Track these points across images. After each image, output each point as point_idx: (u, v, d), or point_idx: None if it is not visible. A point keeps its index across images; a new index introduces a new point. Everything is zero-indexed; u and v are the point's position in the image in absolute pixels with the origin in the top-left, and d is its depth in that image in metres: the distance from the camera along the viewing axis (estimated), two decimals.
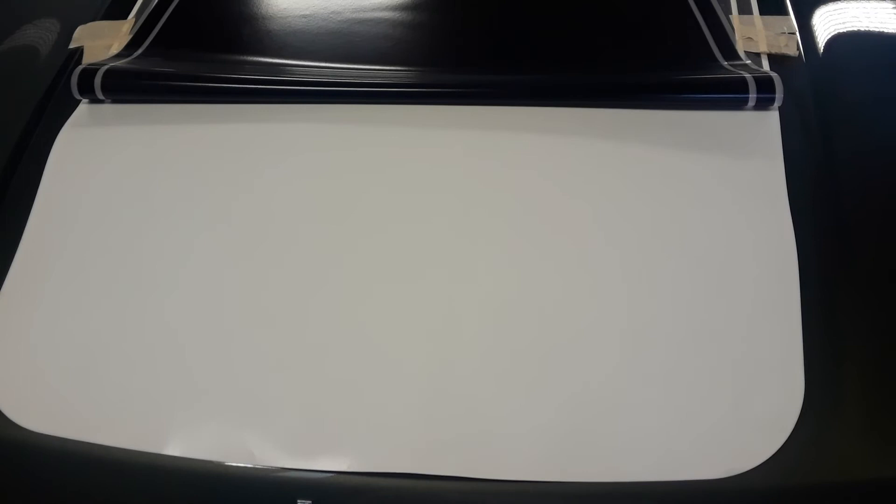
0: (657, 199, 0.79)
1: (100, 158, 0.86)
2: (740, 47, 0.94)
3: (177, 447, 0.66)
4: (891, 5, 1.01)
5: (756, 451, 0.64)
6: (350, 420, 0.67)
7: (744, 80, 0.86)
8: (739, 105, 0.86)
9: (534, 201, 0.79)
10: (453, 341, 0.70)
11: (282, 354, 0.70)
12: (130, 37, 0.99)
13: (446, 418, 0.66)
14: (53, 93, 0.95)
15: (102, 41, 1.00)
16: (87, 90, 0.90)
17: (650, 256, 0.74)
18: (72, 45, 1.01)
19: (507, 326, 0.71)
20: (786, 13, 0.99)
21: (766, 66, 0.93)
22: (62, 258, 0.78)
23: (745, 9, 1.00)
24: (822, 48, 0.95)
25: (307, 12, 0.99)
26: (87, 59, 0.97)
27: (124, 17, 1.04)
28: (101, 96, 0.90)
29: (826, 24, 0.98)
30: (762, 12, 0.99)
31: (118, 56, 0.96)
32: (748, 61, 0.91)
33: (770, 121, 0.85)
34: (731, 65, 0.90)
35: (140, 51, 0.97)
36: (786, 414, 0.65)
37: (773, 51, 0.94)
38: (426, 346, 0.70)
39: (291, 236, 0.78)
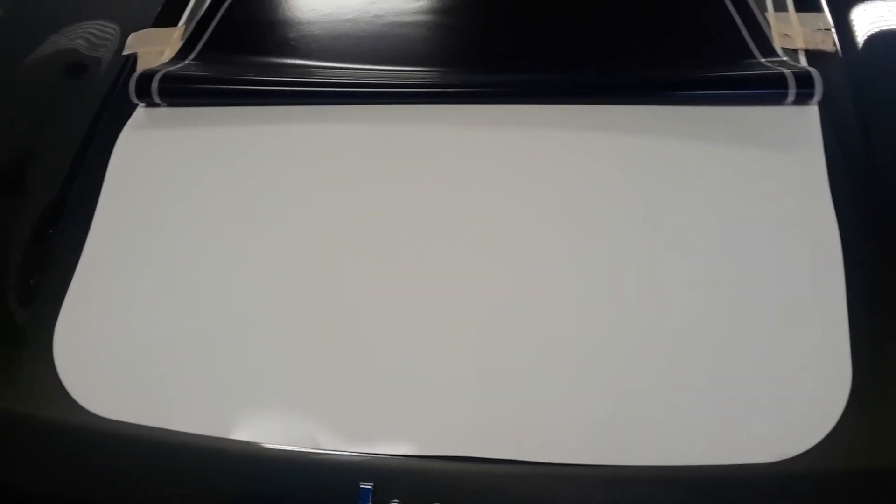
0: (700, 194, 0.80)
1: (159, 159, 0.90)
2: (777, 44, 0.95)
3: (241, 433, 0.69)
4: None
5: (804, 436, 0.65)
6: (408, 406, 0.69)
7: (783, 75, 0.87)
8: (779, 100, 0.87)
9: (577, 196, 0.82)
10: (505, 329, 0.73)
11: (341, 343, 0.73)
12: (182, 43, 1.02)
13: (500, 403, 0.69)
14: (111, 97, 0.98)
15: (155, 48, 1.03)
16: (144, 94, 0.94)
17: (697, 250, 0.76)
18: (125, 52, 1.04)
19: (558, 314, 0.73)
20: (821, 10, 1.00)
21: (803, 62, 0.94)
22: (126, 253, 0.82)
23: (780, 6, 1.01)
24: (858, 44, 0.96)
25: (351, 16, 1.02)
26: (141, 65, 1.00)
27: (175, 24, 1.07)
28: (157, 100, 0.94)
29: (861, 21, 0.99)
30: (797, 9, 1.00)
31: (171, 62, 1.00)
32: (786, 57, 0.93)
33: (809, 116, 0.87)
34: (768, 61, 0.92)
35: (192, 56, 1.00)
36: (834, 399, 0.66)
37: (810, 46, 0.95)
38: (479, 334, 0.72)
39: (346, 229, 0.81)
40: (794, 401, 0.67)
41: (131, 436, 0.70)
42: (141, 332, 0.76)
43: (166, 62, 1.00)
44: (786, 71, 0.87)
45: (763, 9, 0.99)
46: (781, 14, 0.99)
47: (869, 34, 0.97)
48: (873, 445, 0.65)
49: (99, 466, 0.71)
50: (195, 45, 1.01)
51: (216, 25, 1.02)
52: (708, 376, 0.69)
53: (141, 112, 0.95)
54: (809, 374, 0.68)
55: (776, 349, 0.70)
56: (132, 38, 1.06)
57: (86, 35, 1.09)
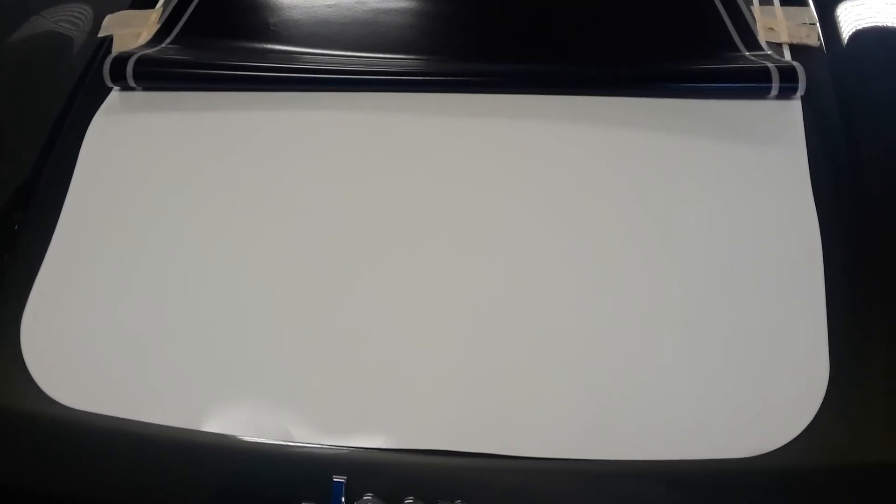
0: (683, 187, 0.80)
1: (133, 144, 0.88)
2: (762, 37, 0.95)
3: (214, 424, 0.68)
4: None
5: (782, 431, 0.65)
6: (385, 398, 0.68)
7: (766, 69, 0.87)
8: (762, 94, 0.87)
9: (561, 189, 0.81)
10: (489, 321, 0.72)
11: (317, 333, 0.72)
12: (159, 26, 1.00)
13: (481, 396, 0.68)
14: (85, 81, 0.96)
15: (131, 30, 1.01)
16: (119, 78, 0.92)
17: (677, 244, 0.76)
18: (101, 34, 1.02)
19: (542, 308, 0.72)
20: (806, 4, 1.00)
21: (787, 56, 0.93)
22: (97, 241, 0.80)
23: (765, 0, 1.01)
24: (842, 39, 0.96)
25: (333, 2, 1.01)
26: (117, 48, 0.98)
27: (152, 6, 1.05)
28: (132, 84, 0.92)
29: (845, 16, 0.99)
30: (783, 3, 1.00)
31: (148, 45, 0.98)
32: (770, 51, 0.93)
33: (793, 110, 0.86)
34: (753, 55, 0.92)
35: (169, 39, 0.98)
36: (811, 394, 0.66)
37: (795, 41, 0.95)
38: (462, 325, 0.72)
39: (326, 219, 0.79)
40: (772, 396, 0.67)
41: (101, 427, 0.69)
42: (111, 322, 0.74)
43: (143, 45, 0.97)
44: (770, 65, 0.87)
45: (748, 2, 0.99)
46: (766, 8, 0.99)
47: (853, 29, 0.97)
48: (850, 441, 0.65)
49: (68, 458, 0.70)
50: (173, 27, 1.00)
51: (195, 8, 1.01)
52: (685, 371, 0.68)
53: (115, 96, 0.93)
54: (787, 368, 0.68)
55: (754, 344, 0.69)
56: (108, 20, 1.04)
57: (59, 16, 1.06)
